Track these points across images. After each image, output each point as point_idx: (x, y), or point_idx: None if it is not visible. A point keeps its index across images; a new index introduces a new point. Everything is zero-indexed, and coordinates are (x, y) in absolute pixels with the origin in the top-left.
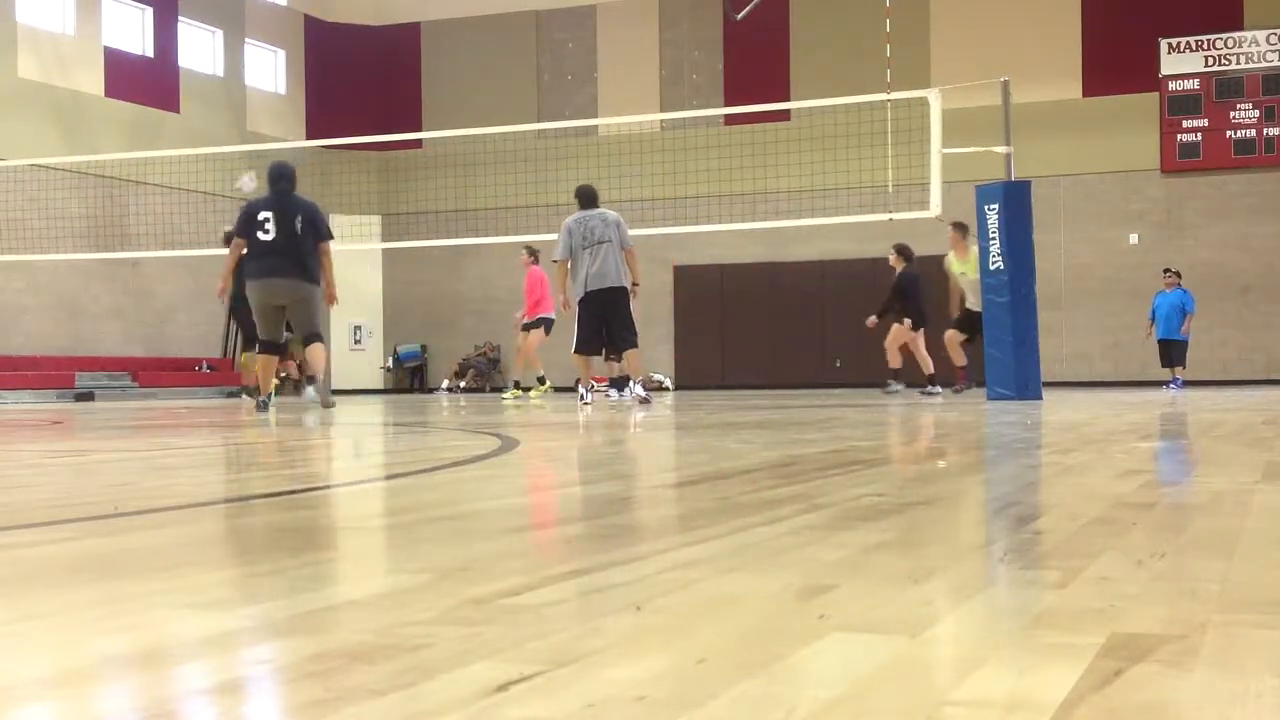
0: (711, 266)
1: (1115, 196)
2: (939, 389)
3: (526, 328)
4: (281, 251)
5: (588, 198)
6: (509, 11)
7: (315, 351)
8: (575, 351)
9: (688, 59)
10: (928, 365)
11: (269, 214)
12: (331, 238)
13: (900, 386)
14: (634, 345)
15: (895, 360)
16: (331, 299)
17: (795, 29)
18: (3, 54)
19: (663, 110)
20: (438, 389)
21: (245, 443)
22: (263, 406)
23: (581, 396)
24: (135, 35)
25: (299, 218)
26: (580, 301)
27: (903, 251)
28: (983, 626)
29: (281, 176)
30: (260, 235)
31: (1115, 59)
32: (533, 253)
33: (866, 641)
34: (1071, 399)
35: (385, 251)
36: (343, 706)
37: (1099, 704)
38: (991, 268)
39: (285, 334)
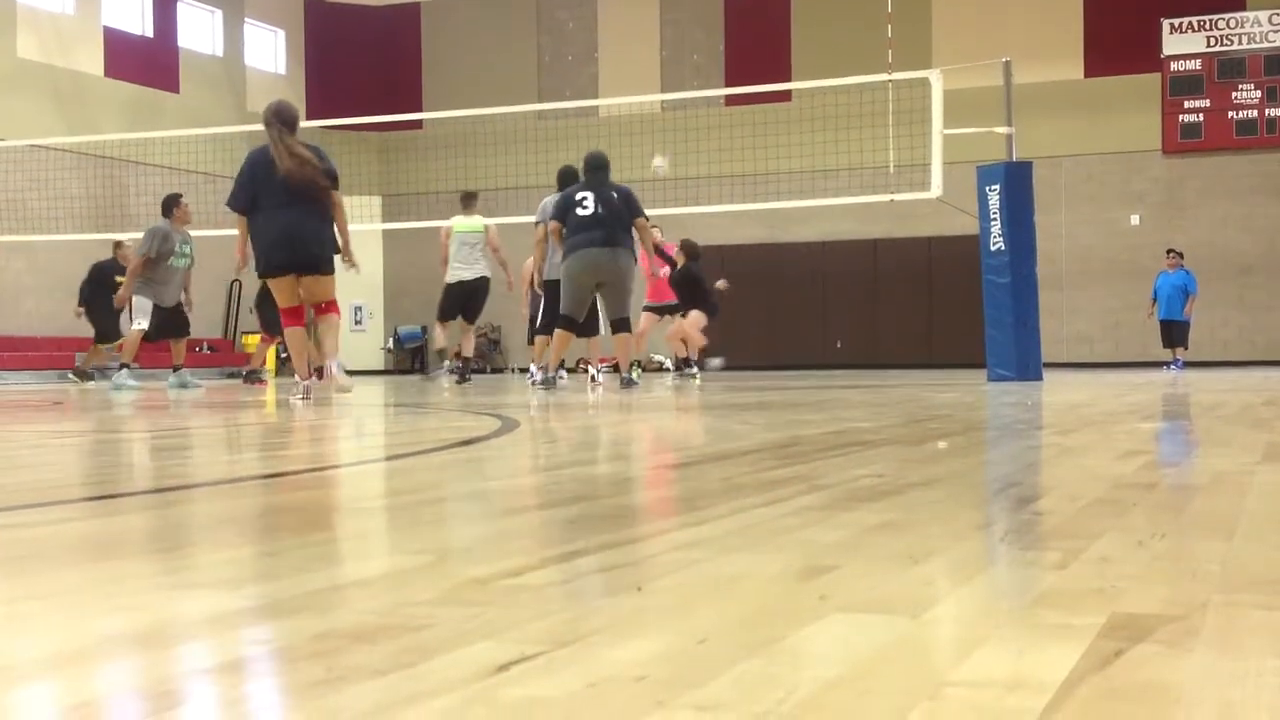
0: (711, 248)
1: (1117, 177)
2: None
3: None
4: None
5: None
6: None
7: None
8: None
9: (689, 39)
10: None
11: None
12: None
13: (718, 362)
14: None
15: (685, 349)
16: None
17: (797, 9)
18: (2, 34)
19: (663, 91)
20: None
21: (246, 424)
22: (550, 383)
23: (591, 377)
24: (135, 15)
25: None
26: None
27: (688, 249)
28: (983, 607)
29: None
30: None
31: (1117, 39)
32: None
33: (867, 622)
34: (1072, 380)
35: (385, 232)
36: (344, 686)
37: (1099, 684)
38: (993, 248)
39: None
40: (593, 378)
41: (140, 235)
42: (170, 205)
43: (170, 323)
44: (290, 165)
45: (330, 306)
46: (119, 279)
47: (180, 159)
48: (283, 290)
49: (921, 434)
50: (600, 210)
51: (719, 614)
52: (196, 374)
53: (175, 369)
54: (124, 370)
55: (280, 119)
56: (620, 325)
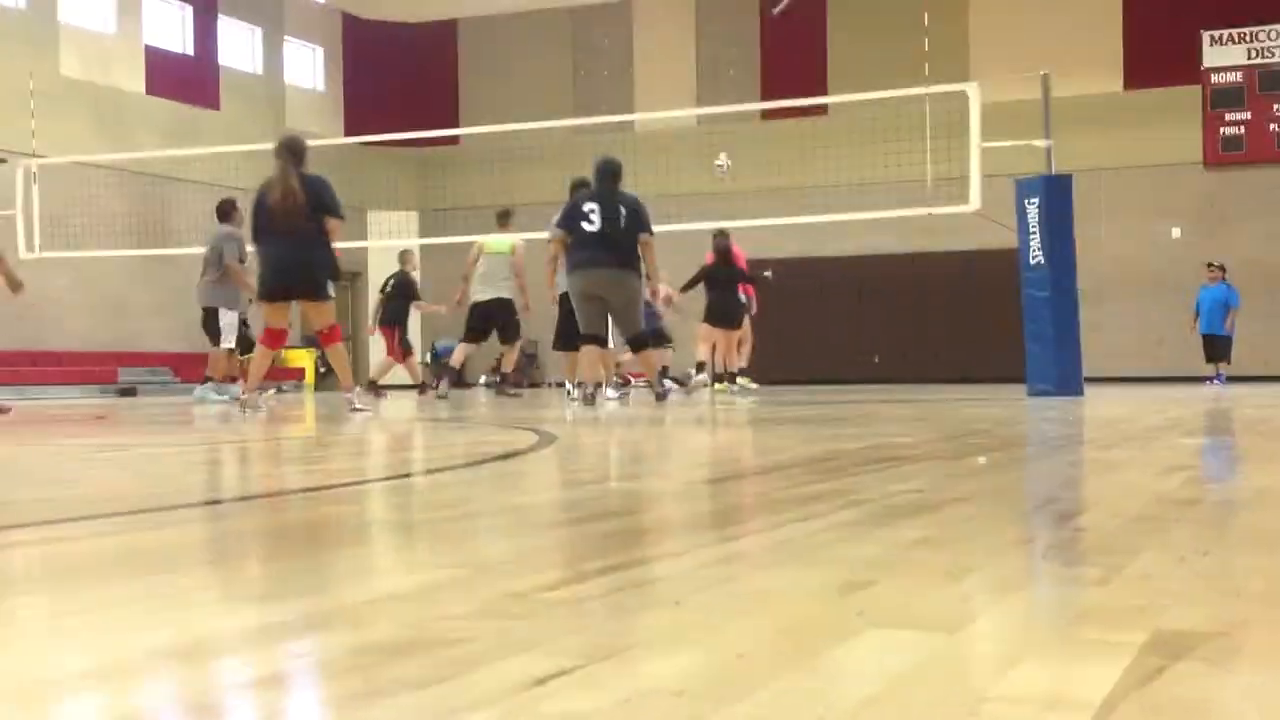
0: (748, 262)
1: (1157, 190)
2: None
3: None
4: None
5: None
6: (545, 8)
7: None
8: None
9: (724, 54)
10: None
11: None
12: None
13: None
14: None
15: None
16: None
17: (832, 23)
18: (45, 53)
19: (699, 105)
20: (475, 384)
21: (284, 438)
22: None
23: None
24: (176, 33)
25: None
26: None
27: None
28: (1022, 623)
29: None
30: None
31: (1157, 51)
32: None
33: (905, 638)
34: (1113, 395)
35: (423, 247)
36: (382, 699)
37: (1141, 701)
38: (1032, 262)
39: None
40: (568, 393)
41: (176, 251)
42: (229, 210)
43: (247, 333)
44: (274, 198)
45: (332, 335)
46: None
47: (220, 175)
48: (273, 313)
49: (960, 449)
50: (605, 228)
51: (756, 629)
52: (234, 389)
53: (206, 379)
54: (208, 384)
55: (289, 150)
56: (637, 344)
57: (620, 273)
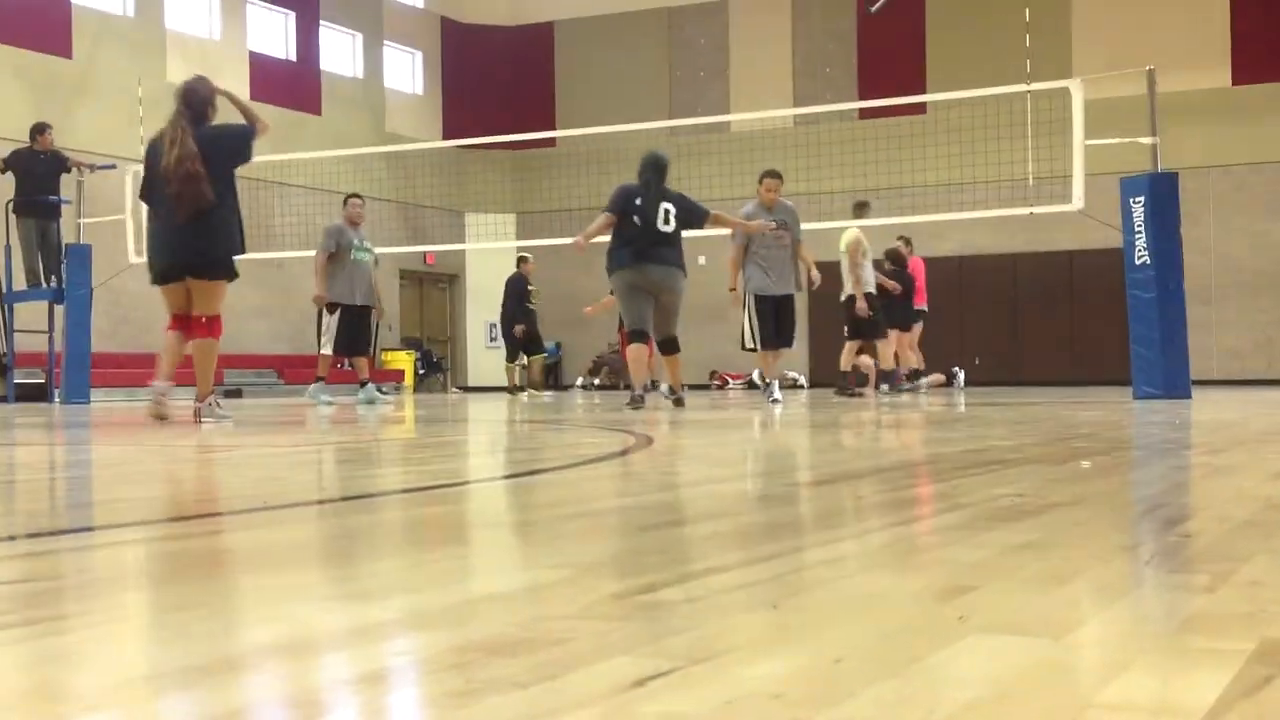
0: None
1: (1267, 187)
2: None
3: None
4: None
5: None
6: (641, 9)
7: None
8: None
9: (821, 52)
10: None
11: None
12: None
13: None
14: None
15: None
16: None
17: (931, 19)
18: (153, 59)
19: (795, 104)
20: (572, 386)
21: (384, 439)
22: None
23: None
24: (278, 39)
25: None
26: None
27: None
28: (1128, 630)
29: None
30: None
31: (1266, 45)
32: (908, 242)
33: (1008, 643)
34: (1222, 397)
35: (519, 249)
36: (484, 697)
37: (1248, 710)
38: (1137, 262)
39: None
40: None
41: (280, 254)
42: (348, 202)
43: (358, 335)
44: (169, 162)
45: (210, 327)
46: (530, 287)
47: (321, 179)
48: (170, 297)
49: (1064, 452)
50: (656, 226)
51: (856, 633)
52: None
53: (362, 384)
54: (318, 384)
55: (185, 101)
56: (669, 346)
57: (674, 271)
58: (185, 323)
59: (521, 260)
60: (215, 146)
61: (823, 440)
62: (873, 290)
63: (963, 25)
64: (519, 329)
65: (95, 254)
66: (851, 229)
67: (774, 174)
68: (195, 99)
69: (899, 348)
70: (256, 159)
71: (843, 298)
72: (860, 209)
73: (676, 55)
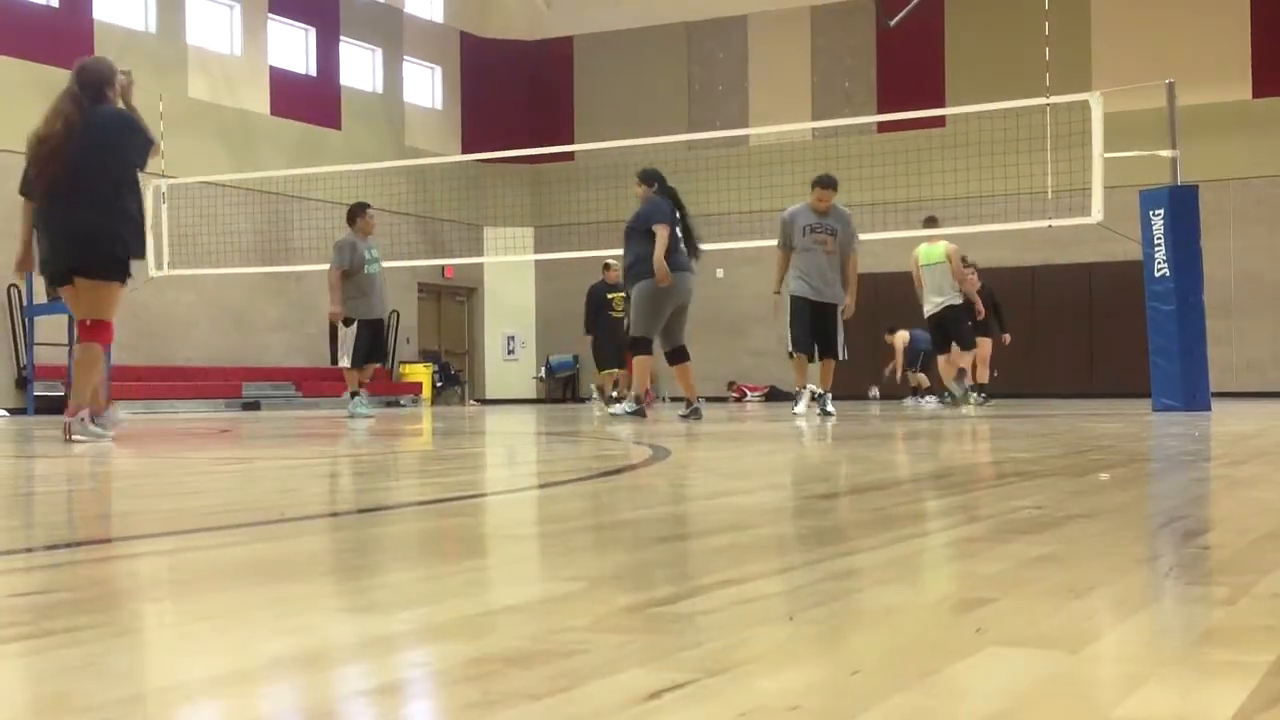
0: (865, 276)
1: None
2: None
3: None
4: None
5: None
6: (660, 24)
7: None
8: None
9: (840, 66)
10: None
11: None
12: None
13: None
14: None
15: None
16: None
17: (950, 32)
18: (174, 75)
19: (814, 118)
20: (589, 398)
21: (401, 451)
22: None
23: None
24: (299, 55)
25: None
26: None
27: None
28: (1147, 643)
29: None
30: None
31: None
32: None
33: (1025, 656)
34: (1242, 410)
35: (537, 263)
36: (499, 709)
37: None
38: (1157, 275)
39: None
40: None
41: (299, 268)
42: (355, 215)
43: (377, 347)
44: (42, 129)
45: (97, 330)
46: (610, 296)
47: (341, 194)
48: (69, 300)
49: (1083, 465)
50: (685, 236)
51: (872, 645)
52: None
53: (353, 394)
54: (357, 398)
55: (78, 79)
56: (679, 355)
57: (692, 278)
58: (88, 328)
59: (604, 268)
60: (121, 128)
61: (839, 454)
62: (960, 301)
63: (982, 38)
64: (590, 339)
65: None
66: (941, 242)
67: (824, 182)
68: (90, 76)
69: (978, 360)
70: (277, 173)
71: (930, 310)
72: (929, 223)
73: (695, 70)
